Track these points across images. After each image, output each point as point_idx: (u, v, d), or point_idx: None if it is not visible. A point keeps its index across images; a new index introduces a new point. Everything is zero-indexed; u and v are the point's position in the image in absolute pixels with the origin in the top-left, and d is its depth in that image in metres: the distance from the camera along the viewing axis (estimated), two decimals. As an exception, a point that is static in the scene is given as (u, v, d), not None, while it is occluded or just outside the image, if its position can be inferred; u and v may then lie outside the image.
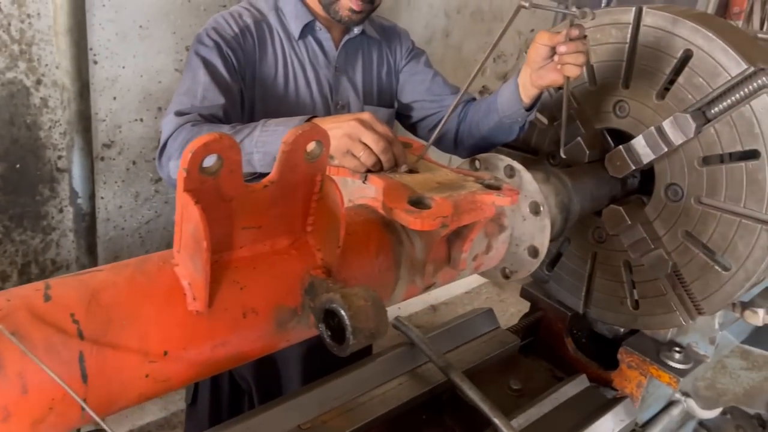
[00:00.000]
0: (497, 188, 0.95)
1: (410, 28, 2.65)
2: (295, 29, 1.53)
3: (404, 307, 3.44)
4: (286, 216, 0.80)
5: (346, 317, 0.72)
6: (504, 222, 1.08)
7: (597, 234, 1.49)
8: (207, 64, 1.38)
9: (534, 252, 1.10)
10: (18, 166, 1.79)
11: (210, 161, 0.68)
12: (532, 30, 3.05)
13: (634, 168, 1.30)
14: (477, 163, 1.16)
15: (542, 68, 1.28)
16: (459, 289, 3.70)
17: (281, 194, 0.77)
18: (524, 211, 1.10)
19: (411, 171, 1.00)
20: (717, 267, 1.28)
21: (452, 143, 1.67)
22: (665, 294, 1.37)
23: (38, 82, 1.73)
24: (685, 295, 1.35)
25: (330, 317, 0.75)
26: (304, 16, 1.53)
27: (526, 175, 1.09)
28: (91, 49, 1.78)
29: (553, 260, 1.62)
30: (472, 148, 1.63)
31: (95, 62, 1.81)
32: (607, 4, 2.90)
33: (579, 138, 1.37)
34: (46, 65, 1.73)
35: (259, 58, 1.49)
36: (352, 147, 1.01)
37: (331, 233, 0.82)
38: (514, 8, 1.07)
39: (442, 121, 1.12)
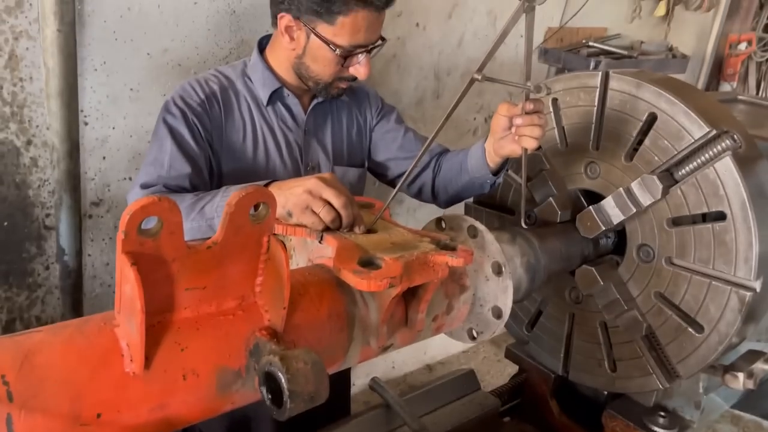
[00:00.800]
0: (452, 249, 0.95)
1: (400, 90, 2.72)
2: (264, 96, 1.56)
3: (399, 367, 3.39)
4: (233, 277, 0.81)
5: (283, 380, 0.72)
6: (465, 282, 1.08)
7: (574, 294, 1.48)
8: (173, 133, 1.42)
9: (498, 313, 1.09)
10: (6, 223, 1.81)
11: (150, 223, 0.70)
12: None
13: (604, 228, 1.31)
14: (442, 222, 1.17)
15: (503, 138, 1.32)
16: (456, 348, 3.64)
17: (226, 255, 0.78)
18: (487, 272, 1.10)
19: (369, 231, 1.01)
20: (690, 329, 1.27)
21: (430, 195, 1.71)
22: (641, 356, 1.35)
23: (29, 142, 1.78)
24: (661, 358, 1.33)
25: (270, 380, 0.75)
26: (271, 83, 1.56)
27: (488, 236, 1.10)
28: (82, 110, 1.83)
29: (533, 320, 1.60)
30: (450, 200, 1.68)
31: (86, 123, 1.86)
32: (595, 67, 2.96)
33: (551, 198, 1.38)
34: (37, 126, 1.78)
35: (226, 123, 1.52)
36: (312, 203, 1.02)
37: (278, 294, 0.82)
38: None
39: (404, 176, 1.14)
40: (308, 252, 1.05)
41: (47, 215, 1.89)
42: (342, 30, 1.42)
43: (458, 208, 1.78)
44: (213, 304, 0.80)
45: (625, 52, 3.25)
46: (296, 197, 1.03)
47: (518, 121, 1.24)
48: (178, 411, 0.76)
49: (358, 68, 1.50)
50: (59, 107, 1.77)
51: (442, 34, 2.74)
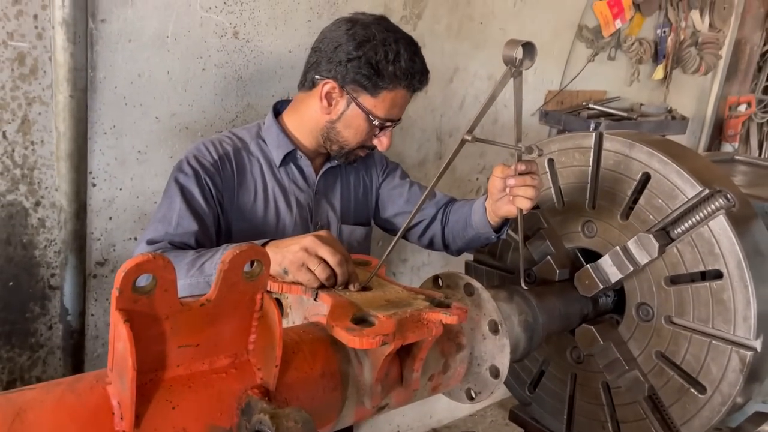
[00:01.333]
0: (446, 306, 0.95)
1: (403, 152, 2.78)
2: (277, 157, 1.61)
3: (404, 431, 3.31)
4: (226, 334, 0.81)
5: (273, 439, 0.72)
6: (462, 341, 1.07)
7: (575, 354, 1.47)
8: (184, 192, 1.45)
9: (495, 372, 1.09)
10: (11, 284, 1.83)
11: (144, 281, 0.71)
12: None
13: (602, 287, 1.31)
14: (439, 280, 1.18)
15: (499, 200, 1.35)
16: (462, 411, 3.56)
17: (220, 312, 0.79)
18: (484, 330, 1.09)
19: (364, 289, 1.02)
20: (693, 390, 1.25)
21: (441, 245, 1.75)
22: (645, 418, 1.33)
23: (37, 203, 1.82)
24: (665, 420, 1.30)
25: (261, 439, 0.74)
26: (285, 145, 1.61)
27: (484, 294, 1.10)
28: (90, 172, 1.88)
29: (535, 381, 1.58)
30: (460, 249, 1.71)
31: (94, 185, 1.90)
32: (596, 128, 3.01)
33: (549, 257, 1.39)
34: (46, 188, 1.82)
35: (238, 183, 1.56)
36: (307, 261, 1.04)
37: (271, 352, 0.82)
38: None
39: (404, 225, 1.17)
40: (304, 310, 1.05)
41: (52, 275, 1.91)
42: (382, 103, 1.51)
43: (459, 267, 1.79)
44: (206, 361, 0.81)
45: (624, 114, 3.31)
46: (292, 254, 1.05)
47: (511, 182, 1.27)
48: (167, 472, 0.75)
49: (382, 140, 1.58)
50: (68, 169, 1.81)
51: (443, 97, 2.82)
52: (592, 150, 1.38)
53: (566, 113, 3.23)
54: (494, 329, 1.08)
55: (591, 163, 1.39)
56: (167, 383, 0.77)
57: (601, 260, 1.32)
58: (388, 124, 1.55)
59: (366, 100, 1.51)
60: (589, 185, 1.40)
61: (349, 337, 0.84)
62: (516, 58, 1.05)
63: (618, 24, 3.32)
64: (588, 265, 1.33)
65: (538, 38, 3.19)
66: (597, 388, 1.43)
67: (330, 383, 0.90)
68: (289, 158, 1.63)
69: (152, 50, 1.90)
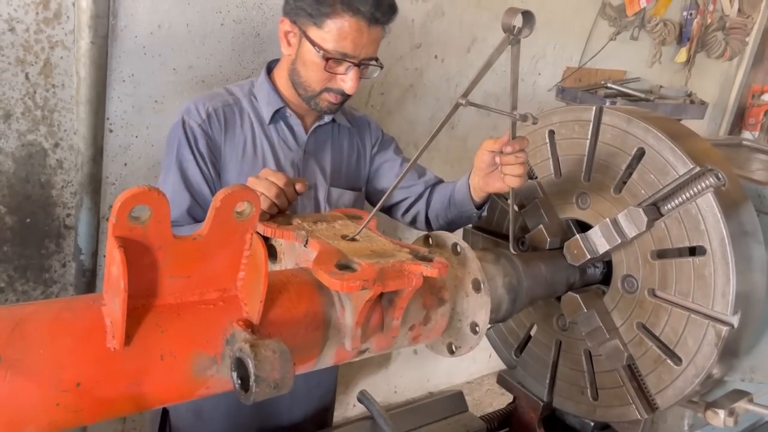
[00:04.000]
0: (428, 260, 1.00)
1: (416, 119, 2.80)
2: (267, 114, 1.63)
3: (401, 392, 3.40)
4: (216, 270, 0.87)
5: (251, 365, 0.77)
6: (444, 296, 1.12)
7: (561, 321, 1.51)
8: (180, 163, 1.55)
9: (474, 328, 1.14)
10: (28, 220, 1.91)
11: (139, 212, 0.76)
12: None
13: (590, 257, 1.34)
14: (429, 239, 1.22)
15: (488, 175, 1.37)
16: (459, 378, 3.65)
17: (211, 248, 0.84)
18: (467, 288, 1.14)
19: (353, 240, 1.07)
20: (669, 361, 1.29)
21: (424, 224, 1.78)
22: (622, 385, 1.37)
23: (56, 145, 1.89)
24: (642, 388, 1.35)
25: (240, 366, 0.80)
26: (275, 102, 1.63)
27: (470, 253, 1.14)
28: (108, 118, 1.94)
29: (521, 346, 1.63)
30: (442, 229, 1.71)
31: (110, 131, 1.96)
32: (613, 103, 3.00)
33: (541, 226, 1.42)
34: (65, 131, 1.89)
35: (226, 139, 1.59)
36: (256, 184, 1.21)
37: (257, 288, 0.88)
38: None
39: (385, 195, 1.19)
40: (296, 256, 1.11)
41: (68, 215, 1.99)
42: (329, 34, 1.47)
43: (458, 232, 1.83)
44: (196, 293, 0.87)
45: (642, 95, 3.29)
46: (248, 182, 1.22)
47: (502, 158, 1.29)
48: (153, 389, 0.82)
49: (345, 81, 1.54)
50: (87, 114, 1.87)
51: (459, 67, 2.83)
52: (592, 123, 1.41)
53: (583, 91, 3.22)
54: (477, 287, 1.13)
55: (589, 136, 1.42)
56: (158, 309, 0.83)
57: (590, 231, 1.35)
58: (345, 60, 1.50)
59: (313, 32, 1.49)
60: (585, 158, 1.42)
61: (331, 280, 0.89)
62: (514, 27, 1.07)
63: (643, 3, 3.28)
64: (578, 235, 1.36)
65: (560, 13, 3.20)
66: (579, 355, 1.47)
67: (312, 323, 0.96)
68: (278, 116, 1.65)
69: (172, 2, 1.95)
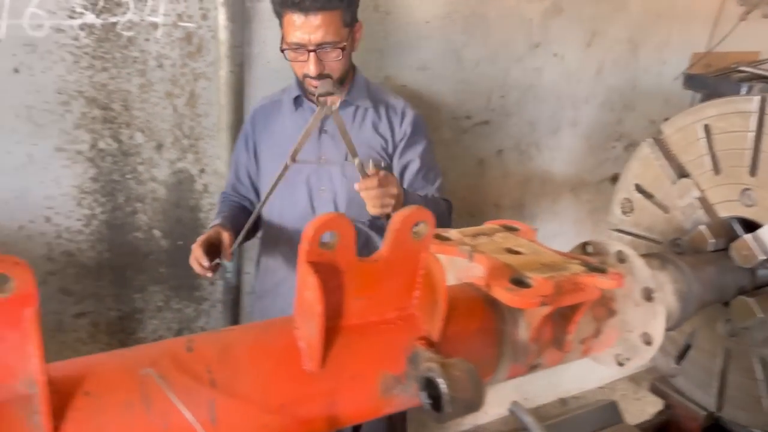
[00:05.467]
0: (602, 271, 0.97)
1: (536, 118, 2.74)
2: (289, 103, 1.84)
3: (531, 399, 3.33)
4: (395, 289, 0.88)
5: (444, 386, 0.78)
6: (614, 307, 1.08)
7: (728, 327, 1.42)
8: (236, 148, 1.93)
9: (648, 339, 1.09)
10: (179, 242, 2.05)
11: (329, 237, 0.79)
12: (666, 118, 3.00)
13: (761, 258, 1.25)
14: (589, 247, 1.19)
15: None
16: (592, 383, 3.52)
17: (390, 269, 0.86)
18: (636, 297, 1.09)
19: (516, 252, 1.05)
20: None
21: None
22: (806, 396, 1.27)
23: (202, 170, 2.01)
24: (830, 399, 1.24)
25: (430, 386, 0.81)
26: (294, 91, 1.84)
27: (637, 261, 1.10)
28: (246, 142, 2.05)
29: (682, 353, 1.55)
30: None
31: (248, 153, 2.07)
32: (748, 92, 2.79)
33: (702, 226, 1.34)
34: (209, 156, 2.01)
35: (264, 131, 1.85)
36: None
37: (434, 307, 0.89)
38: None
39: (263, 198, 1.74)
40: (456, 271, 1.10)
41: (214, 236, 2.10)
42: (285, 28, 1.70)
43: (594, 237, 1.76)
44: (377, 313, 0.88)
45: (782, 76, 3.04)
46: None
47: (357, 186, 1.57)
48: (345, 409, 0.84)
49: (308, 65, 1.70)
50: (228, 139, 1.98)
51: (579, 62, 2.74)
52: (756, 114, 1.31)
53: (714, 76, 3.01)
54: (647, 297, 1.08)
55: (753, 128, 1.32)
56: (345, 331, 0.85)
57: (760, 230, 1.26)
58: (300, 49, 1.68)
59: (282, 27, 1.71)
60: (750, 151, 1.33)
61: (509, 296, 0.88)
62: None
63: (777, -24, 3.03)
64: (746, 235, 1.27)
65: (683, -4, 2.99)
66: (751, 363, 1.37)
67: (487, 340, 0.95)
68: (297, 102, 1.84)
69: (300, 26, 2.02)
